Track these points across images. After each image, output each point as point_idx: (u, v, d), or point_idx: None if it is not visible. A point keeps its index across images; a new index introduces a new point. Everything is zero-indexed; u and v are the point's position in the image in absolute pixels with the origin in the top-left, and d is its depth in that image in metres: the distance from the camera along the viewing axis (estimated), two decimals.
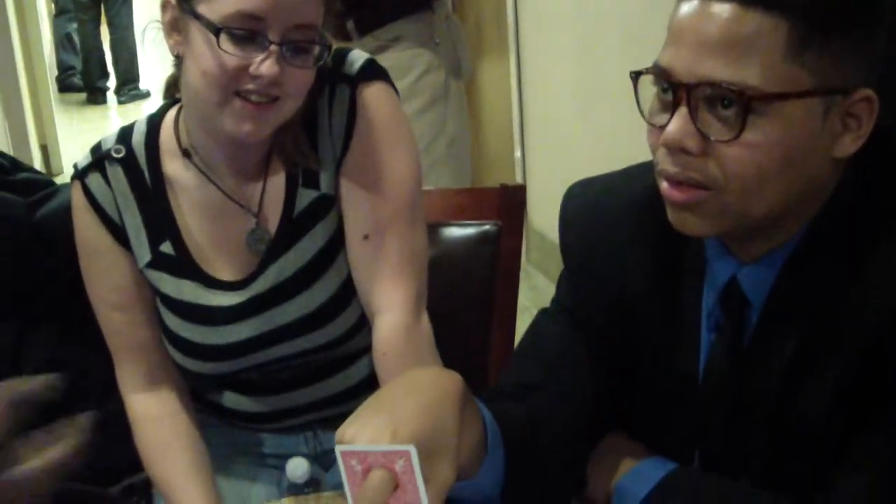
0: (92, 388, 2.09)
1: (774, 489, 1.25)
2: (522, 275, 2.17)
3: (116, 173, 1.68)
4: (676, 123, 1.17)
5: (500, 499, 1.27)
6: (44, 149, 6.06)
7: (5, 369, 2.02)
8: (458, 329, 1.97)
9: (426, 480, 1.10)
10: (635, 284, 1.37)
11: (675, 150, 1.19)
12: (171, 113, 1.71)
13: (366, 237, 1.67)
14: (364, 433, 1.11)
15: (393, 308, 1.67)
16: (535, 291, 4.26)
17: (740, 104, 1.14)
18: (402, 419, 1.12)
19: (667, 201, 1.23)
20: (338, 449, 1.09)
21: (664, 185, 1.22)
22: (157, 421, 1.73)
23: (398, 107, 1.70)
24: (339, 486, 1.64)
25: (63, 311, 2.07)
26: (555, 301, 1.49)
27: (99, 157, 1.70)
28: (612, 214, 1.40)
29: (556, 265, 1.50)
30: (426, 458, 1.11)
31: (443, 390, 1.19)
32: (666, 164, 1.21)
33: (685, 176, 1.19)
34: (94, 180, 1.69)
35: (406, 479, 1.05)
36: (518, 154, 4.81)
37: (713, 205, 1.20)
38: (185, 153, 1.67)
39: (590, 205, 1.44)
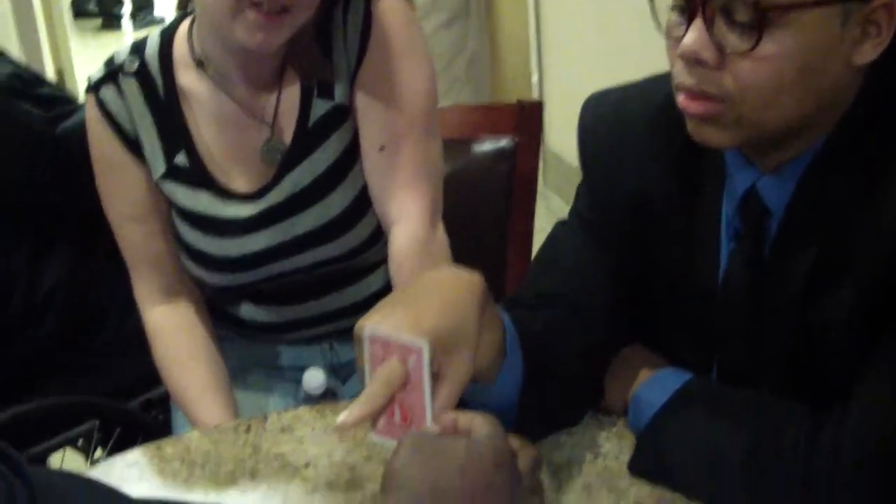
0: (111, 306, 2.10)
1: (792, 400, 1.25)
2: (539, 197, 2.16)
3: (130, 86, 1.67)
4: (692, 35, 1.16)
5: (517, 406, 1.27)
6: (59, 74, 6.03)
7: (23, 290, 2.03)
8: (474, 245, 1.96)
9: (444, 377, 1.10)
10: (654, 193, 1.36)
11: (692, 62, 1.17)
12: (185, 25, 1.69)
13: (381, 148, 1.66)
14: (386, 323, 1.11)
15: (409, 219, 1.66)
16: (552, 214, 4.24)
17: (756, 15, 1.12)
18: (423, 312, 1.12)
19: (685, 113, 1.22)
20: (365, 332, 1.09)
21: (681, 98, 1.21)
22: (174, 333, 1.73)
23: (413, 18, 1.68)
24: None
25: (80, 229, 2.07)
26: (573, 211, 1.48)
27: (112, 70, 1.68)
28: (631, 122, 1.39)
29: (573, 188, 1.49)
30: (444, 353, 1.11)
31: (464, 288, 1.18)
32: (683, 76, 1.20)
33: (701, 89, 1.18)
34: (108, 93, 1.67)
35: (415, 376, 1.06)
36: (535, 79, 4.78)
37: (730, 116, 1.18)
38: (199, 64, 1.65)
39: (609, 112, 1.43)
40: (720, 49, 1.15)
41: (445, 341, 1.11)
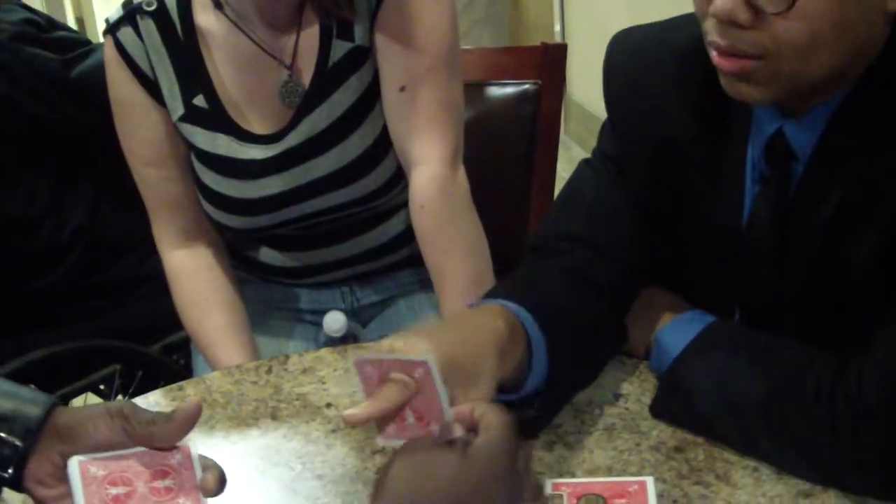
0: (129, 245, 2.10)
1: (813, 344, 1.24)
2: (561, 146, 2.14)
3: (148, 27, 1.65)
4: None
5: (546, 381, 1.26)
6: (80, 21, 6.02)
7: (47, 229, 2.03)
8: (497, 188, 1.95)
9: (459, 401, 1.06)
10: (679, 133, 1.34)
11: (725, 22, 1.14)
12: None
13: (402, 89, 1.64)
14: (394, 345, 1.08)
15: (430, 160, 1.65)
16: (573, 163, 4.22)
17: None
18: (440, 342, 1.10)
19: (719, 70, 1.20)
20: (353, 360, 1.06)
21: (714, 55, 1.19)
22: (194, 276, 1.73)
23: None
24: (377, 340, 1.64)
25: (100, 169, 2.07)
26: (596, 151, 1.46)
27: (130, 11, 1.66)
28: (657, 61, 1.37)
29: (594, 136, 1.48)
30: (460, 384, 1.08)
31: (486, 330, 1.17)
32: (715, 35, 1.17)
33: (736, 48, 1.15)
34: (126, 34, 1.66)
35: (426, 384, 1.02)
36: (558, 27, 4.74)
37: (766, 73, 1.16)
38: (217, 4, 1.63)
39: (635, 51, 1.40)
40: (754, 8, 1.12)
41: (460, 376, 1.09)
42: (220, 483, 1.04)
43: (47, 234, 2.08)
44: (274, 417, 1.38)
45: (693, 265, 1.39)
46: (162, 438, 1.02)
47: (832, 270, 1.22)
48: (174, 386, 1.48)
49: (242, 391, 1.44)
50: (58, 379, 2.08)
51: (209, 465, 1.04)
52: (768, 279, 1.30)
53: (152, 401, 1.45)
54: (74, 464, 0.99)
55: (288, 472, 1.29)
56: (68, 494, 1.00)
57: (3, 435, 0.99)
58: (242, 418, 1.39)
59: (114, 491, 1.00)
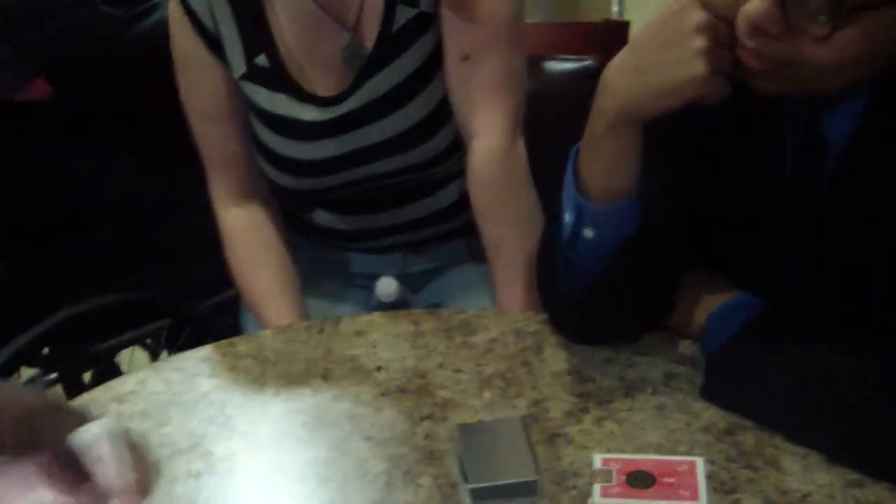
0: (182, 208, 2.12)
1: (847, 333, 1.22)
2: None
3: None
4: (761, 5, 1.09)
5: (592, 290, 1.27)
6: None
7: (98, 187, 2.05)
8: (554, 164, 1.94)
9: None
10: (718, 107, 1.32)
11: (754, 28, 1.12)
12: None
13: (465, 58, 1.63)
14: None
15: (489, 131, 1.64)
16: None
17: (834, 11, 1.06)
18: None
19: (740, 62, 1.18)
20: None
21: (737, 49, 1.16)
22: (248, 234, 1.73)
23: None
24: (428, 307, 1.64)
25: (152, 127, 2.08)
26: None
27: None
28: None
29: None
30: None
31: None
32: (743, 35, 1.13)
33: (761, 53, 1.13)
34: None
35: None
36: (616, 8, 4.72)
37: (789, 78, 1.13)
38: None
39: None
40: (787, 25, 1.09)
41: None
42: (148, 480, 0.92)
43: (97, 194, 2.09)
44: (324, 378, 1.39)
45: (730, 244, 1.38)
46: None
47: (863, 257, 1.21)
48: (226, 342, 1.48)
49: (294, 350, 1.45)
50: (106, 330, 2.10)
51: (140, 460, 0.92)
52: (804, 260, 1.29)
53: (203, 354, 1.45)
54: None
55: (337, 433, 1.29)
56: None
57: None
58: (293, 377, 1.40)
59: None
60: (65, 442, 0.84)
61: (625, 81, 1.20)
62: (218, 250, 1.77)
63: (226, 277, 1.77)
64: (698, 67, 1.13)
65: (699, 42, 1.13)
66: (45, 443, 0.84)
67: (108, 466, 0.87)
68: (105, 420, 0.90)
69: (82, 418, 0.88)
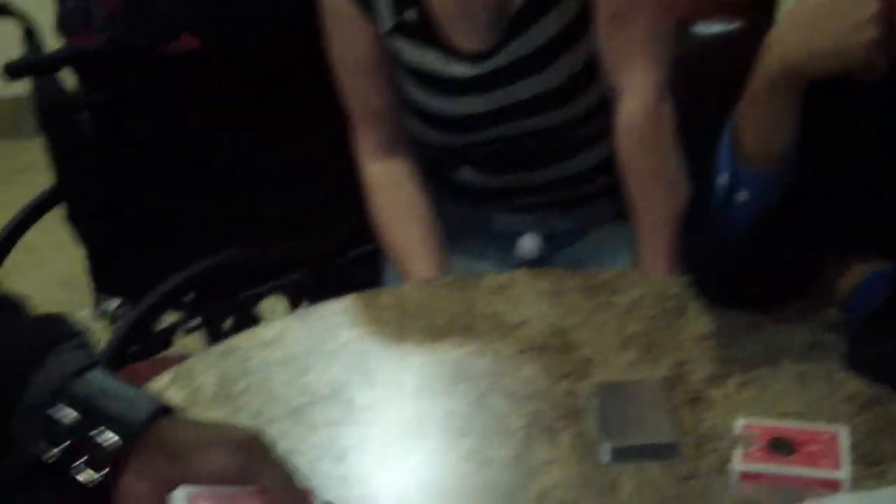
0: (328, 163, 2.13)
1: None
2: None
3: None
4: None
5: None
6: None
7: (254, 149, 2.07)
8: (701, 127, 1.92)
9: None
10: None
11: None
12: None
13: (614, 16, 1.62)
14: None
15: (638, 90, 1.63)
16: None
17: None
18: None
19: None
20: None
21: None
22: (392, 188, 1.75)
23: None
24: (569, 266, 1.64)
25: (304, 83, 2.09)
26: None
27: None
28: None
29: None
30: None
31: None
32: None
33: None
34: None
35: None
36: None
37: None
38: None
39: None
40: None
41: None
42: None
43: (238, 148, 2.11)
44: (465, 333, 1.40)
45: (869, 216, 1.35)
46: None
47: None
48: (368, 293, 1.51)
49: (436, 304, 1.46)
50: (248, 281, 2.14)
51: None
52: None
53: (345, 305, 1.48)
54: (182, 498, 0.82)
55: (475, 388, 1.30)
56: None
57: (98, 440, 0.83)
58: (434, 331, 1.41)
59: None
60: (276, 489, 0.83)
61: (794, 39, 1.18)
62: (359, 204, 1.79)
63: (367, 231, 1.79)
64: (871, 32, 1.12)
65: (875, 8, 1.12)
66: (257, 484, 0.83)
67: None
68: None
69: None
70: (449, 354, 1.36)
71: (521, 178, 1.75)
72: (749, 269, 1.35)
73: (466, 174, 1.78)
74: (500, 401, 1.28)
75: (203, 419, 0.91)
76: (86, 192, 2.10)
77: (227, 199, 2.14)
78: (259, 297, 2.18)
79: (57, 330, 0.90)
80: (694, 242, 1.42)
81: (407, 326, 1.42)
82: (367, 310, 1.47)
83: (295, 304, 2.20)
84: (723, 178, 1.29)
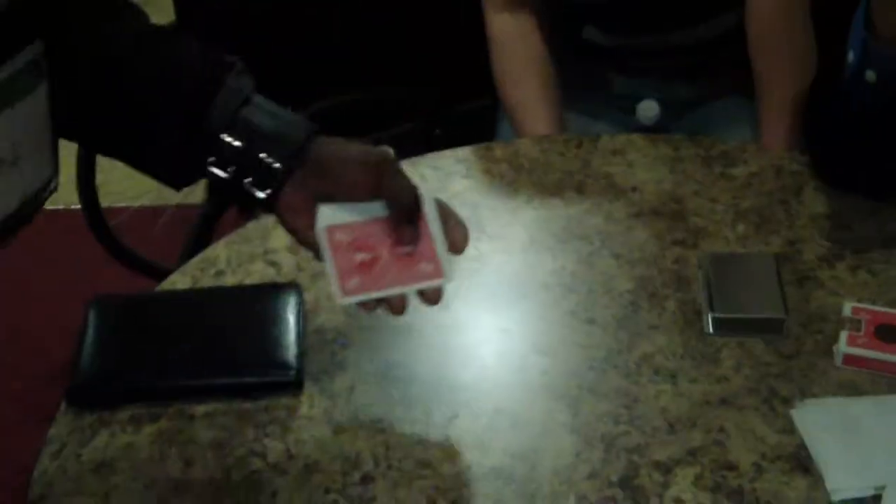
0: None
1: None
2: None
3: None
4: None
5: None
6: None
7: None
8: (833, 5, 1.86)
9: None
10: None
11: None
12: None
13: None
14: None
15: None
16: None
17: None
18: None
19: None
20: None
21: None
22: (514, 42, 1.72)
23: None
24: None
25: None
26: None
27: None
28: None
29: None
30: None
31: None
32: None
33: None
34: None
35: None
36: None
37: None
38: None
39: None
40: None
41: None
42: (465, 240, 1.04)
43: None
44: (578, 191, 1.39)
45: None
46: (406, 199, 1.01)
47: None
48: (483, 146, 1.50)
49: (550, 160, 1.45)
50: (362, 127, 2.14)
51: (455, 222, 1.04)
52: None
53: (461, 155, 1.48)
54: (322, 230, 1.00)
55: (586, 246, 1.30)
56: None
57: (263, 156, 1.00)
58: (547, 186, 1.41)
59: (359, 257, 1.01)
60: (402, 195, 1.00)
61: None
62: (476, 56, 1.77)
63: (482, 84, 1.78)
64: None
65: None
66: (386, 193, 1.00)
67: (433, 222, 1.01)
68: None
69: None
70: (560, 211, 1.36)
71: (645, 41, 1.72)
72: (871, 154, 1.32)
73: (591, 33, 1.74)
74: (608, 262, 1.28)
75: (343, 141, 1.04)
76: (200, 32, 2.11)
77: (337, 42, 2.13)
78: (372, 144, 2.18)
79: (224, 58, 1.03)
80: (818, 121, 1.39)
81: (520, 181, 1.42)
82: (480, 161, 1.47)
83: (404, 157, 2.19)
84: (852, 56, 1.26)
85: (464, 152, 1.49)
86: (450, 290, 1.22)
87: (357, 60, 2.13)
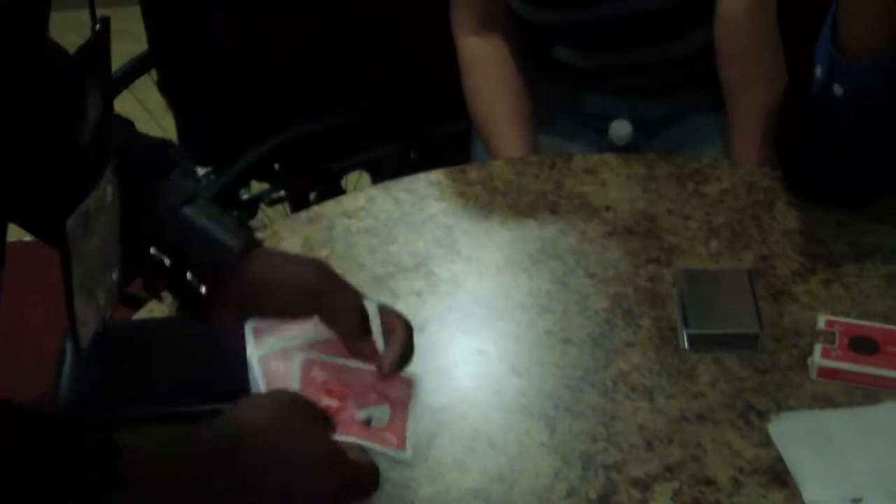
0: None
1: None
2: None
3: None
4: None
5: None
6: None
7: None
8: (800, 20, 1.87)
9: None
10: None
11: None
12: None
13: None
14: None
15: None
16: None
17: None
18: None
19: None
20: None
21: None
22: (486, 64, 1.73)
23: None
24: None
25: None
26: None
27: None
28: None
29: None
30: None
31: None
32: None
33: None
34: None
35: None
36: None
37: None
38: None
39: None
40: None
41: None
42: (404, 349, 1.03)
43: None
44: (552, 212, 1.40)
45: None
46: (350, 323, 1.01)
47: None
48: (456, 168, 1.51)
49: (524, 182, 1.46)
50: (335, 153, 2.15)
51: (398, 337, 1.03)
52: None
53: (434, 178, 1.48)
54: (297, 363, 1.00)
55: (561, 266, 1.31)
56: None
57: (189, 277, 1.00)
58: (521, 208, 1.41)
59: (326, 401, 0.99)
60: (342, 319, 1.00)
61: None
62: (451, 79, 1.78)
63: (457, 107, 1.78)
64: None
65: None
66: (328, 321, 1.01)
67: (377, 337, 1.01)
68: (372, 301, 1.03)
69: (360, 296, 1.02)
70: (535, 232, 1.37)
71: (615, 59, 1.72)
72: (840, 165, 1.33)
73: (563, 53, 1.75)
74: (583, 281, 1.28)
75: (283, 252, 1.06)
76: (177, 59, 2.11)
77: (318, 67, 2.13)
78: (344, 170, 2.18)
79: (172, 154, 1.03)
80: (788, 134, 1.40)
81: (494, 202, 1.43)
82: (454, 184, 1.47)
83: (379, 180, 2.20)
84: (820, 70, 1.27)
85: (437, 175, 1.49)
86: (426, 312, 1.22)
87: (334, 84, 2.14)
